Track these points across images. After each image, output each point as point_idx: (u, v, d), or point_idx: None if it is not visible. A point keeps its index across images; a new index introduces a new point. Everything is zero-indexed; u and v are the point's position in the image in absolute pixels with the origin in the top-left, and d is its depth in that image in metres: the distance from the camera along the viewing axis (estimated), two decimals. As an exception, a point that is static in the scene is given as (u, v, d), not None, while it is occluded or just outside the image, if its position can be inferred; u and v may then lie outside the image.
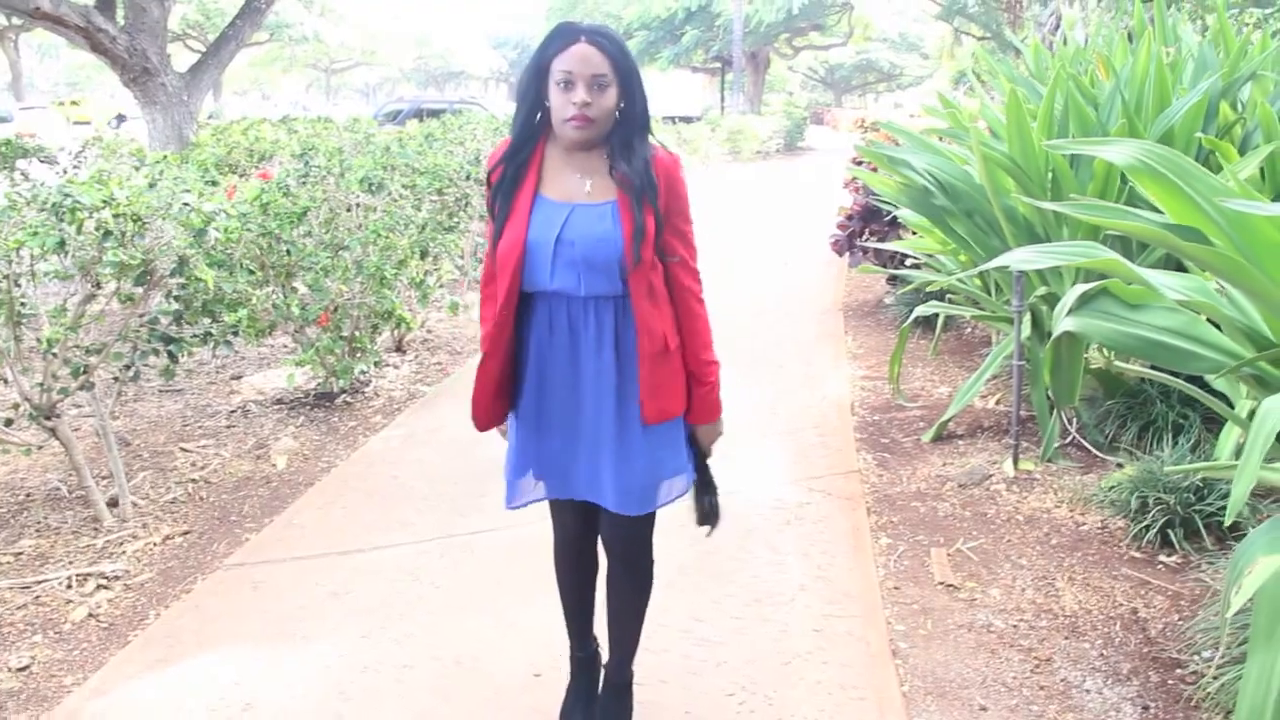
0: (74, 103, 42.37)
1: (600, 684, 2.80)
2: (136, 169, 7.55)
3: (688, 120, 28.21)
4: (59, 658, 3.25)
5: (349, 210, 5.63)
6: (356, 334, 5.51)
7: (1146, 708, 2.93)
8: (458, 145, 8.21)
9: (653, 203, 2.28)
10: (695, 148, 23.51)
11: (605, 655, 2.76)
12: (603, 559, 2.68)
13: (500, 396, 2.47)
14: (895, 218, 7.15)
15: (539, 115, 2.32)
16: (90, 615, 3.49)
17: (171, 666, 3.16)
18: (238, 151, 11.41)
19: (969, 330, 7.14)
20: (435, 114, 19.92)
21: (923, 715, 2.91)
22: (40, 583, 3.68)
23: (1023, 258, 2.91)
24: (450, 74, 79.20)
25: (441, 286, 6.92)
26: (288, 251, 5.16)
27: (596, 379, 2.37)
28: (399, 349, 6.61)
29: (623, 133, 2.29)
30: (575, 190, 2.32)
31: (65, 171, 13.64)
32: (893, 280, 8.02)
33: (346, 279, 5.24)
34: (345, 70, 70.33)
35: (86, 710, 2.96)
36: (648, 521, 2.53)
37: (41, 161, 13.65)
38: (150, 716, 2.91)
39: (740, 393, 5.64)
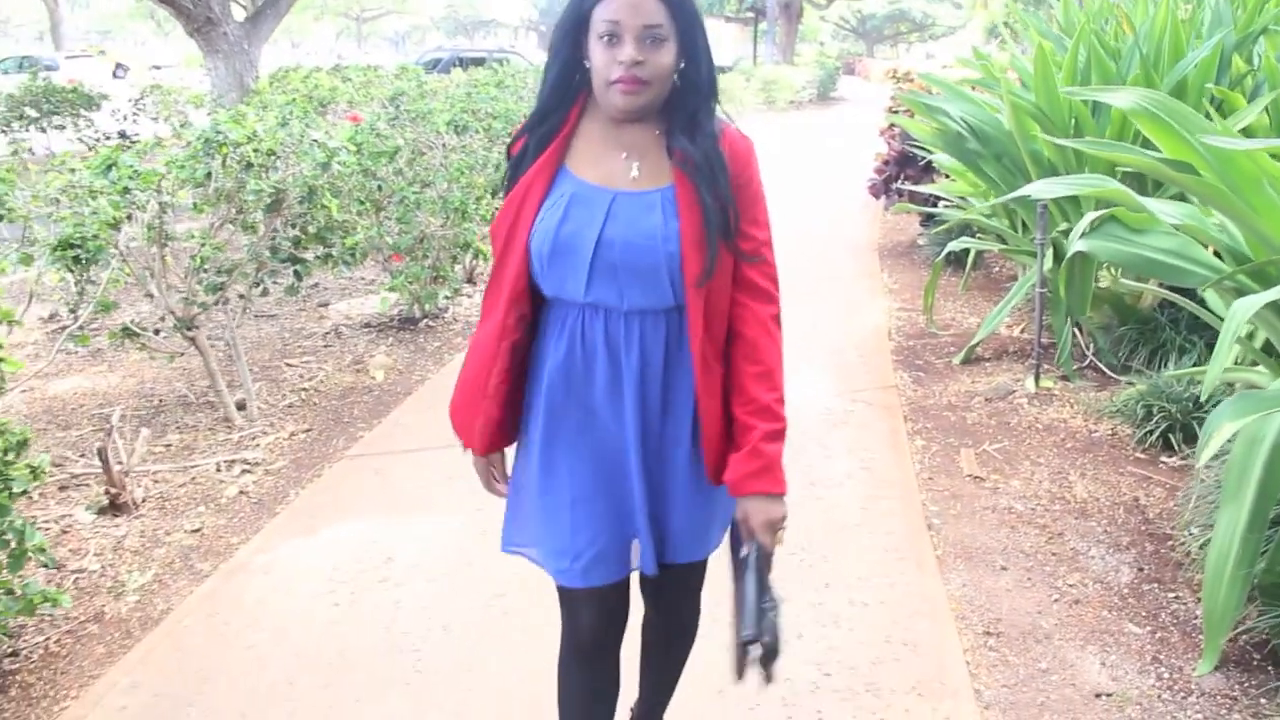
0: (100, 51, 42.86)
1: None
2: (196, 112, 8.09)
3: (721, 70, 28.45)
4: (222, 524, 3.87)
5: (432, 150, 6.18)
6: (439, 263, 6.08)
7: (1141, 569, 3.49)
8: (525, 90, 8.73)
9: (725, 190, 1.80)
10: (730, 96, 23.86)
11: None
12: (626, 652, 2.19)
13: (499, 428, 2.01)
14: (929, 163, 7.65)
15: (576, 76, 1.85)
16: (241, 492, 4.11)
17: (318, 531, 3.77)
18: (299, 98, 11.92)
19: (996, 269, 7.64)
20: (475, 63, 20.38)
21: (953, 573, 3.48)
22: (193, 468, 4.30)
23: (1041, 188, 3.45)
24: (480, 22, 79.21)
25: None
26: (379, 187, 5.72)
27: (643, 419, 1.89)
28: (470, 280, 7.18)
29: (683, 102, 1.81)
30: (619, 174, 1.83)
31: (126, 118, 14.23)
32: (925, 223, 8.51)
33: (433, 212, 5.80)
34: (376, 19, 70.56)
35: (254, 562, 3.57)
36: (703, 567, 2.11)
37: (88, 110, 14.19)
38: (307, 566, 3.52)
39: (790, 319, 6.19)
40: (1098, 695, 2.85)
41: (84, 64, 32.75)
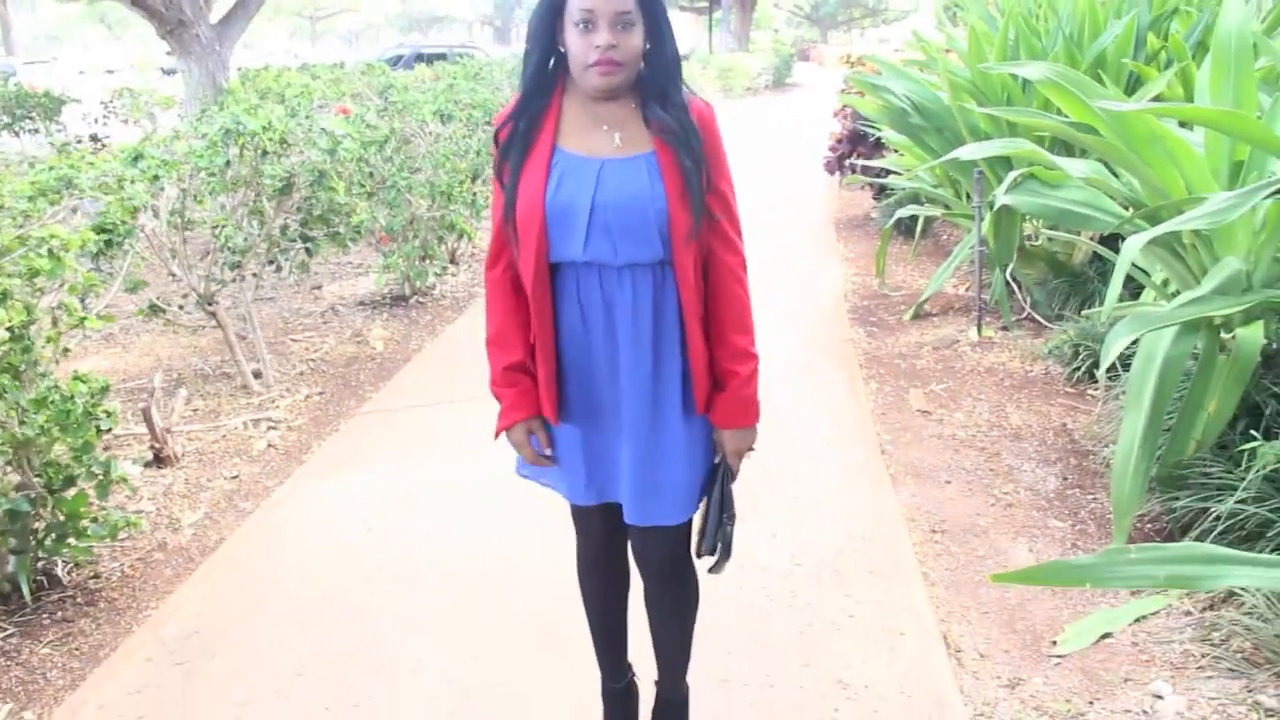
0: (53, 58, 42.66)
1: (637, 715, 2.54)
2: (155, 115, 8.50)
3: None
4: (256, 471, 4.33)
5: (418, 138, 6.64)
6: (427, 243, 6.54)
7: (1066, 478, 4.03)
8: (497, 81, 9.20)
9: (699, 152, 2.00)
10: (688, 84, 24.38)
11: (651, 672, 2.49)
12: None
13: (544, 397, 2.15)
14: (879, 140, 8.19)
15: (553, 62, 2.03)
16: (269, 445, 4.57)
17: (342, 474, 4.25)
18: (270, 96, 12.28)
19: (945, 236, 8.20)
20: (437, 58, 20.76)
21: (903, 487, 4.01)
22: (222, 427, 4.75)
23: (968, 150, 3.98)
24: (434, 19, 79.11)
25: (486, 207, 7.96)
26: (370, 174, 6.18)
27: (635, 362, 2.07)
28: (453, 260, 7.64)
29: (654, 78, 2.01)
30: (603, 144, 2.01)
31: (98, 120, 14.53)
32: (878, 196, 9.06)
33: (421, 196, 6.27)
34: (329, 17, 70.38)
35: (290, 500, 4.04)
36: (688, 529, 2.24)
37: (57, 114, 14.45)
38: (336, 501, 4.00)
39: (758, 289, 6.73)
40: (1025, 573, 3.38)
41: (41, 69, 32.78)
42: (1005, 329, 5.75)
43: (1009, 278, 5.96)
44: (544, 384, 2.11)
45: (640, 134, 2.01)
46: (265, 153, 4.71)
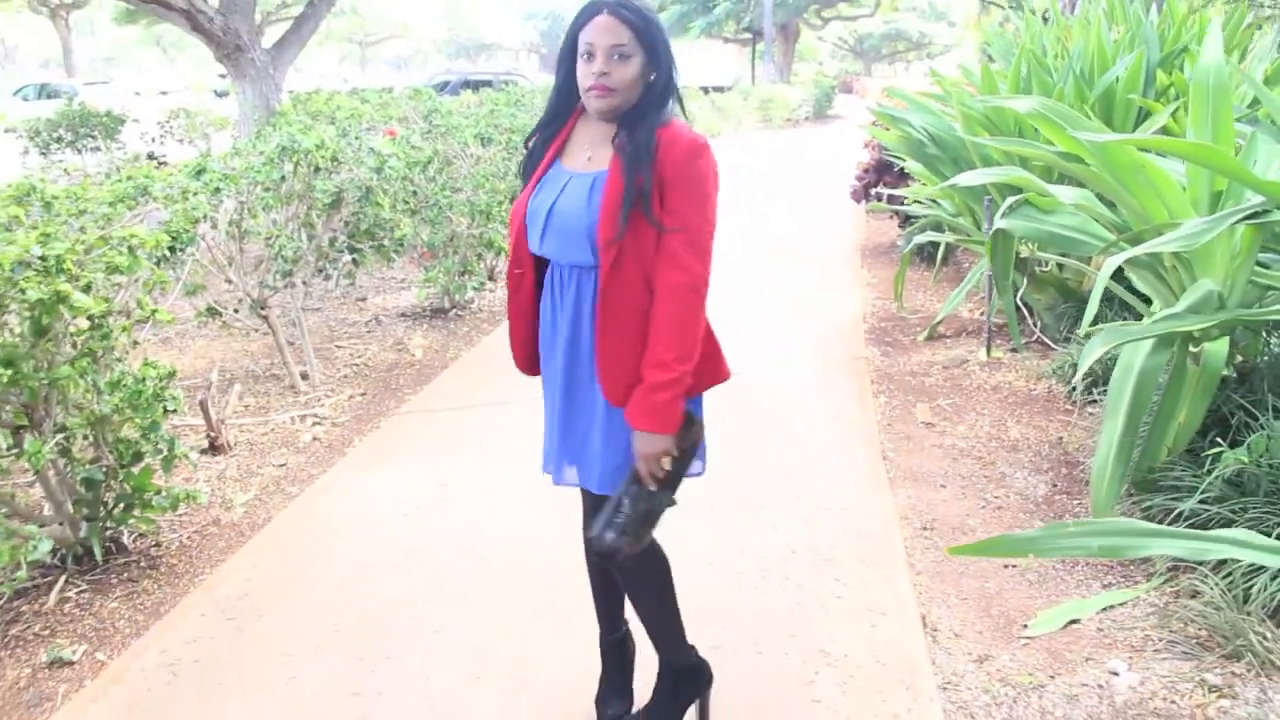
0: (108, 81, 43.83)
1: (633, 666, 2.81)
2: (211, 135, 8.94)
3: (720, 90, 29.45)
4: (302, 461, 4.69)
5: (459, 160, 7.02)
6: (467, 259, 6.91)
7: (1055, 485, 4.30)
8: (535, 108, 9.59)
9: (644, 171, 2.19)
10: (728, 115, 24.83)
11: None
12: None
13: (533, 360, 2.55)
14: (904, 170, 8.49)
15: (572, 89, 2.31)
16: (314, 439, 4.93)
17: (382, 467, 4.59)
18: (320, 118, 12.74)
19: (966, 264, 8.46)
20: (482, 84, 21.28)
21: (901, 489, 4.30)
22: (271, 421, 5.12)
23: (968, 178, 4.28)
24: (482, 46, 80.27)
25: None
26: (414, 192, 6.56)
27: (567, 344, 2.36)
28: (490, 277, 8.00)
29: (639, 105, 2.25)
30: (580, 160, 2.32)
31: (155, 139, 15.11)
32: (903, 225, 9.34)
33: (461, 214, 6.64)
34: (378, 43, 71.66)
35: (334, 487, 4.39)
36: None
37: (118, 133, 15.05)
38: (376, 490, 4.34)
39: (776, 308, 7.07)
40: (1006, 566, 3.66)
41: (100, 90, 33.80)
42: (1014, 350, 6.01)
43: (1019, 302, 6.23)
44: (518, 345, 2.54)
45: (608, 153, 2.28)
46: (318, 169, 5.10)
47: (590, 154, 2.32)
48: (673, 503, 2.37)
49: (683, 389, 2.25)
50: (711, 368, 2.41)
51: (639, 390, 2.25)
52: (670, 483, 2.34)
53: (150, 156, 14.16)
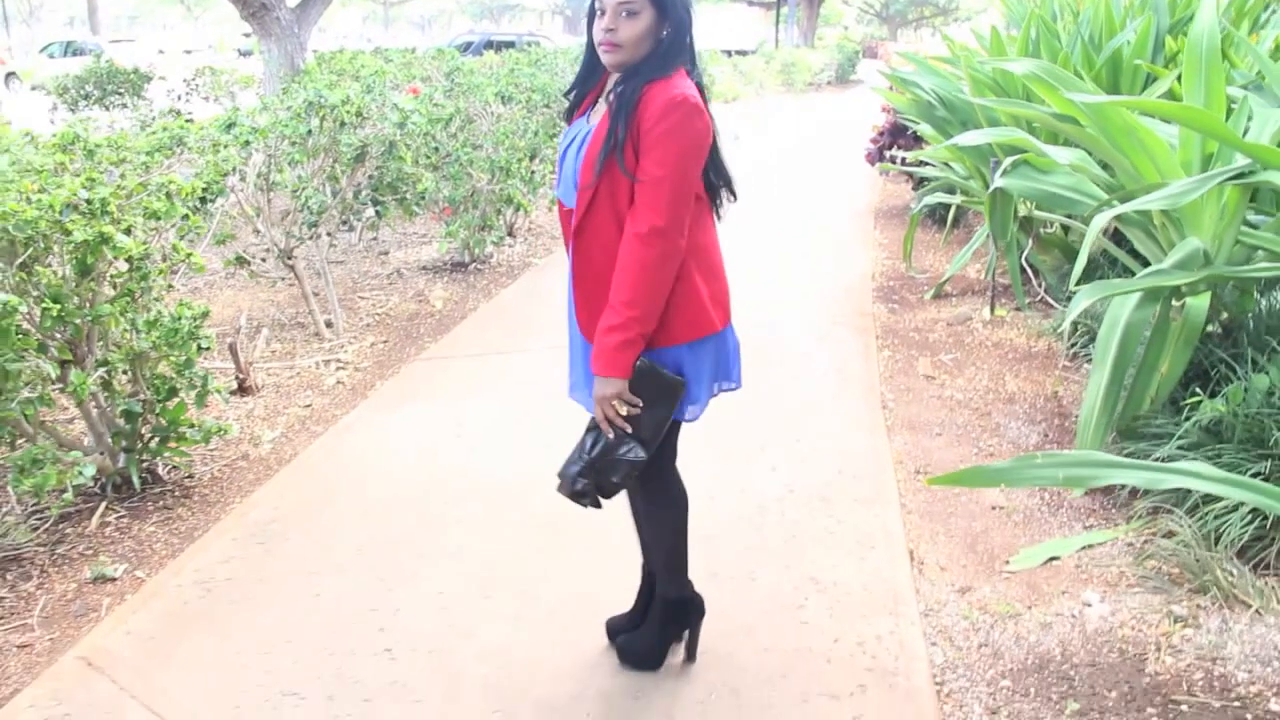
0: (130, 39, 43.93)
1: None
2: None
3: (743, 53, 29.40)
4: (326, 402, 4.91)
5: (481, 118, 7.19)
6: (486, 215, 7.10)
7: (1046, 435, 4.48)
8: (556, 68, 9.75)
9: (621, 122, 2.29)
10: (750, 79, 24.82)
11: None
12: None
13: None
14: (918, 134, 8.61)
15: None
16: (338, 382, 5.15)
17: (403, 406, 4.81)
18: (345, 77, 12.89)
19: (977, 227, 8.58)
20: (505, 45, 21.37)
21: (898, 436, 4.48)
22: (297, 365, 5.34)
23: (968, 138, 4.43)
24: (506, 6, 79.96)
25: (543, 184, 8.50)
26: (436, 149, 6.74)
27: (573, 294, 2.49)
28: (510, 233, 8.19)
29: (643, 61, 2.34)
30: (596, 112, 2.45)
31: (180, 97, 15.34)
32: (917, 187, 9.46)
33: (482, 170, 6.82)
34: (402, 2, 71.50)
35: (356, 425, 4.61)
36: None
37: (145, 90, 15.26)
38: (397, 428, 4.56)
39: (788, 266, 7.24)
40: (994, 508, 3.85)
41: (126, 48, 34.04)
42: (1018, 309, 6.17)
43: (1025, 263, 6.38)
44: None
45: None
46: (343, 124, 5.28)
47: (596, 107, 2.48)
48: (641, 458, 2.41)
49: (633, 335, 2.30)
50: (690, 318, 2.43)
51: (596, 333, 2.36)
52: (641, 435, 2.40)
53: (176, 114, 14.39)
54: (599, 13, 2.34)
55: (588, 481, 2.44)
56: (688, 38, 2.39)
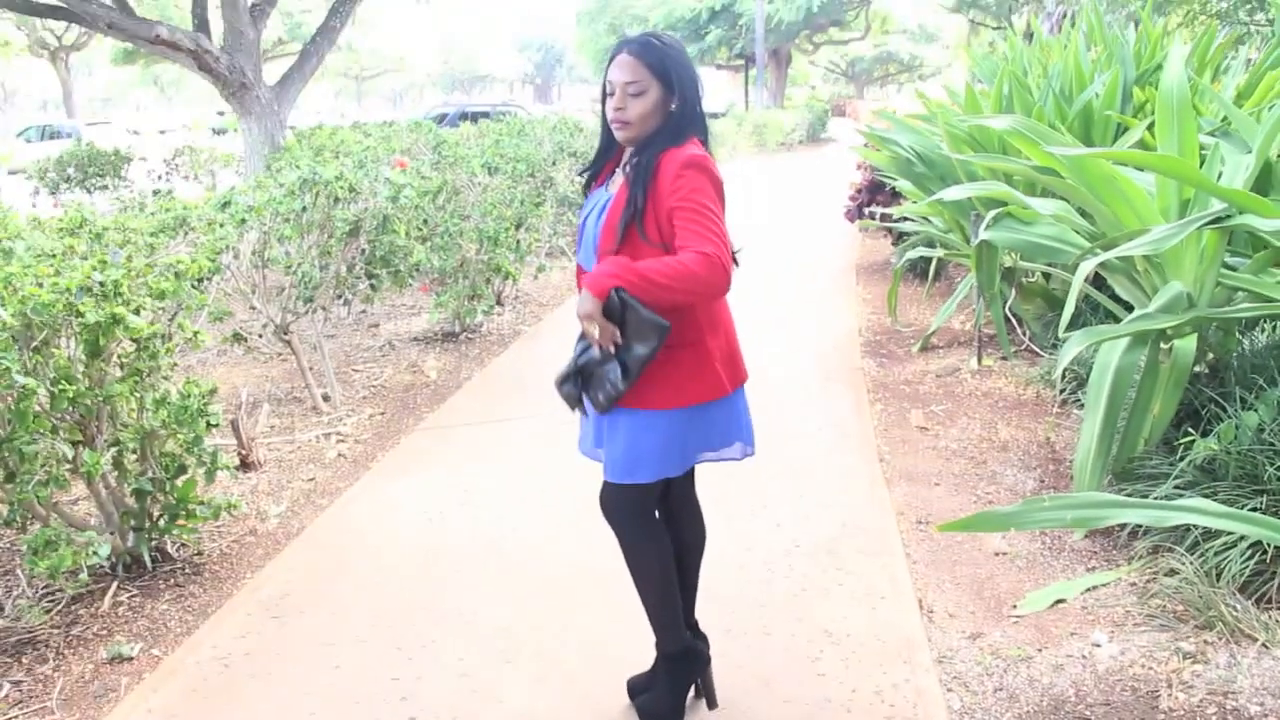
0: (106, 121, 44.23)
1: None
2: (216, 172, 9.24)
3: (714, 116, 29.83)
4: (329, 475, 4.94)
5: (468, 189, 7.31)
6: (476, 284, 7.18)
7: (1042, 481, 4.55)
8: (538, 139, 9.91)
9: (640, 190, 2.46)
10: (723, 141, 25.18)
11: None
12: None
13: None
14: (895, 189, 8.78)
15: None
16: (340, 455, 5.18)
17: (407, 477, 4.84)
18: (325, 153, 13.02)
19: (957, 279, 8.74)
20: (480, 116, 21.64)
21: (897, 487, 4.55)
22: (297, 440, 5.38)
23: (952, 193, 4.55)
24: (477, 78, 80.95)
25: (530, 252, 8.61)
26: (424, 221, 6.83)
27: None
28: (498, 302, 8.28)
29: (657, 132, 2.52)
30: (614, 183, 2.61)
31: (160, 177, 15.43)
32: (896, 242, 9.63)
33: (470, 240, 6.92)
34: (374, 77, 72.25)
35: (361, 498, 4.64)
36: (615, 490, 2.68)
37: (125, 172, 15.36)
38: (401, 498, 4.59)
39: (776, 324, 7.34)
40: (997, 554, 3.91)
41: (103, 130, 34.29)
42: (1004, 359, 6.28)
43: (1009, 313, 6.50)
44: None
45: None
46: (337, 199, 5.37)
47: (612, 178, 2.65)
48: (618, 380, 2.51)
49: (626, 280, 2.37)
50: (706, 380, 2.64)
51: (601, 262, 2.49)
52: (624, 362, 2.49)
53: (156, 194, 14.47)
54: (609, 93, 2.52)
55: (572, 387, 2.60)
56: (698, 108, 2.56)
